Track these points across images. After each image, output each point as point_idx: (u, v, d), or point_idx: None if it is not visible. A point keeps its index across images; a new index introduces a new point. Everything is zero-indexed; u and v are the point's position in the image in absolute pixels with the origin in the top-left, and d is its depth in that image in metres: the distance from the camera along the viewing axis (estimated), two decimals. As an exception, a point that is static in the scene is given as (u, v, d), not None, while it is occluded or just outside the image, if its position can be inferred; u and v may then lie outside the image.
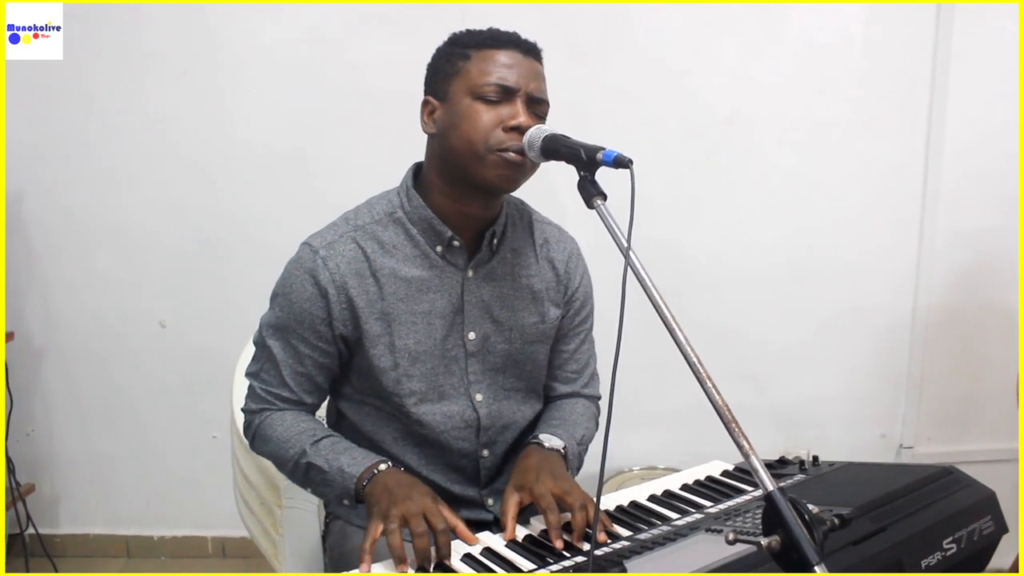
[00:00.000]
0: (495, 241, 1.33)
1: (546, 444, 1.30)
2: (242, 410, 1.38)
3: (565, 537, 1.13)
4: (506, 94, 1.21)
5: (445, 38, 1.29)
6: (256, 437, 1.35)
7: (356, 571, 1.09)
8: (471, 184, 1.24)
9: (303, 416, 1.34)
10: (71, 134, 2.38)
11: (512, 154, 1.20)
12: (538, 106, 1.24)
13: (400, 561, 1.07)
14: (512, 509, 1.19)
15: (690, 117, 2.37)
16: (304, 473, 1.27)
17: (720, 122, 2.37)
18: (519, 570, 1.07)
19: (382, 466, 1.22)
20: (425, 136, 1.30)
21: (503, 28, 1.28)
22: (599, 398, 1.51)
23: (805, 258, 2.44)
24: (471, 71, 1.22)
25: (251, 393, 1.36)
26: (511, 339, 1.35)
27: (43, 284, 2.49)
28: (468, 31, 1.27)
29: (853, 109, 2.38)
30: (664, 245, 2.33)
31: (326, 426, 1.38)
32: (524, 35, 1.28)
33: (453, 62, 1.25)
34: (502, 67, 1.21)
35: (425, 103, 1.29)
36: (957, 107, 2.35)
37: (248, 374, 1.37)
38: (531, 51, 1.26)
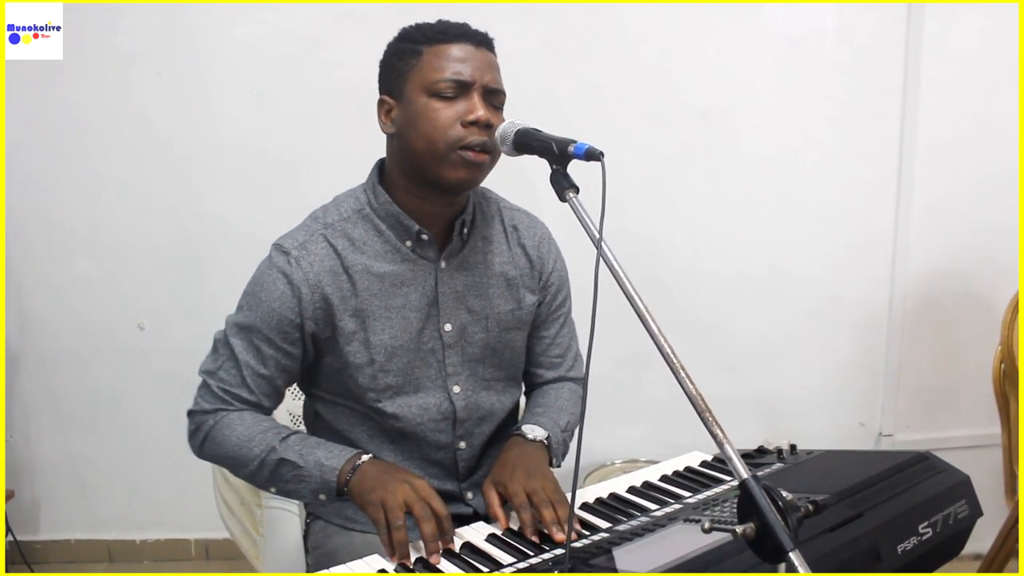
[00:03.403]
0: (465, 230, 1.32)
1: (529, 435, 1.31)
2: (191, 411, 1.31)
3: (544, 530, 1.14)
4: (462, 88, 1.20)
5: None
6: (208, 439, 1.28)
7: (335, 570, 1.09)
8: (432, 183, 1.24)
9: (262, 416, 1.30)
10: (48, 133, 2.35)
11: (472, 153, 1.19)
12: (495, 97, 1.24)
13: (403, 557, 1.07)
14: (496, 499, 1.20)
15: (666, 111, 2.37)
16: (272, 470, 1.24)
17: (696, 115, 2.38)
18: (499, 563, 1.08)
19: (364, 456, 1.21)
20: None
21: (479, 25, 1.27)
22: None
23: (782, 250, 2.45)
24: (424, 68, 1.21)
25: (206, 391, 1.30)
26: (488, 327, 1.35)
27: (19, 286, 2.46)
28: (417, 25, 1.26)
29: (827, 101, 2.39)
30: (641, 238, 2.34)
31: (299, 426, 1.37)
32: (495, 30, 1.27)
33: (405, 59, 1.23)
34: (455, 61, 1.20)
35: (381, 103, 1.27)
36: (930, 99, 2.37)
37: (204, 371, 1.31)
38: (483, 42, 1.25)
